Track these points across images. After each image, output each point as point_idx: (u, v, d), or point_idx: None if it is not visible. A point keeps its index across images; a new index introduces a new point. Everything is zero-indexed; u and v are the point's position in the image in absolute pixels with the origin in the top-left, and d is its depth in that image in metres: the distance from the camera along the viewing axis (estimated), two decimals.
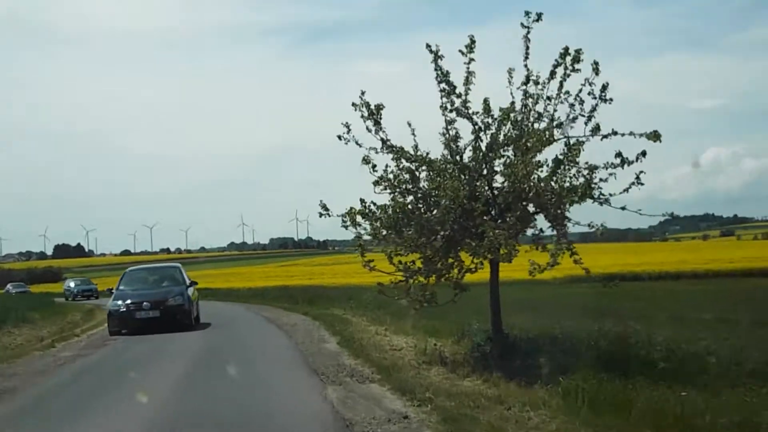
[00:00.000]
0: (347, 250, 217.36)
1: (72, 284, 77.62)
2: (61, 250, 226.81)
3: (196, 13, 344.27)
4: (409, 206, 13.72)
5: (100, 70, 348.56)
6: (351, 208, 13.95)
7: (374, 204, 13.70)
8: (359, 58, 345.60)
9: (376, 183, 13.68)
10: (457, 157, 13.83)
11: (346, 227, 14.22)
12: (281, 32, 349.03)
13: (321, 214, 14.21)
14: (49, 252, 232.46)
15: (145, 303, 25.40)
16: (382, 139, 13.84)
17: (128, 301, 25.56)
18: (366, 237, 14.19)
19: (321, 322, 25.01)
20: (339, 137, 13.96)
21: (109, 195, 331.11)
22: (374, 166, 13.68)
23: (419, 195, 13.78)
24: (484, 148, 13.81)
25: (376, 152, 13.88)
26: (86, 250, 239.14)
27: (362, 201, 13.76)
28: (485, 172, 13.82)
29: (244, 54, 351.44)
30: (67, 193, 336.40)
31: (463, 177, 13.65)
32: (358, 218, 13.84)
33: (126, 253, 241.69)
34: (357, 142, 13.88)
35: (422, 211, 13.79)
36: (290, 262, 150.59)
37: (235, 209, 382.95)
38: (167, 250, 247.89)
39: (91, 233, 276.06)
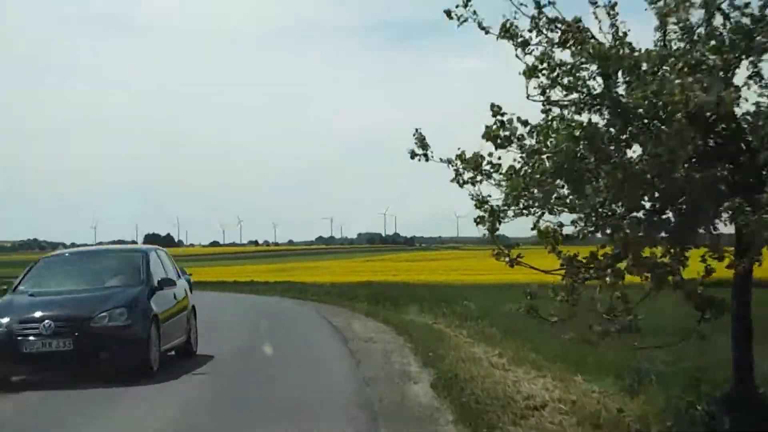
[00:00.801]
0: (434, 247, 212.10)
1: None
2: (151, 239, 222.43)
3: (282, 5, 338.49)
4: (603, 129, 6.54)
5: (201, 59, 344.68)
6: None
7: (522, 121, 6.63)
8: (449, 55, 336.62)
9: (530, 73, 6.57)
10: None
11: (460, 182, 7.20)
12: (372, 29, 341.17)
13: (415, 155, 8.11)
14: (140, 241, 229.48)
15: (46, 321, 13.53)
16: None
17: (9, 318, 13.79)
18: (495, 200, 7.28)
19: (406, 336, 17.67)
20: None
21: (202, 187, 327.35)
22: (524, 42, 6.58)
23: (617, 111, 6.49)
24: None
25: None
26: (176, 240, 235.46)
27: (499, 120, 6.64)
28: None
29: (334, 50, 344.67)
30: (162, 183, 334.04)
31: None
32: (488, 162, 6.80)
33: (214, 244, 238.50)
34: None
35: (622, 143, 6.52)
36: (376, 257, 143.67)
37: (324, 203, 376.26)
38: (255, 242, 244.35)
39: (183, 224, 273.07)
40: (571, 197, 6.89)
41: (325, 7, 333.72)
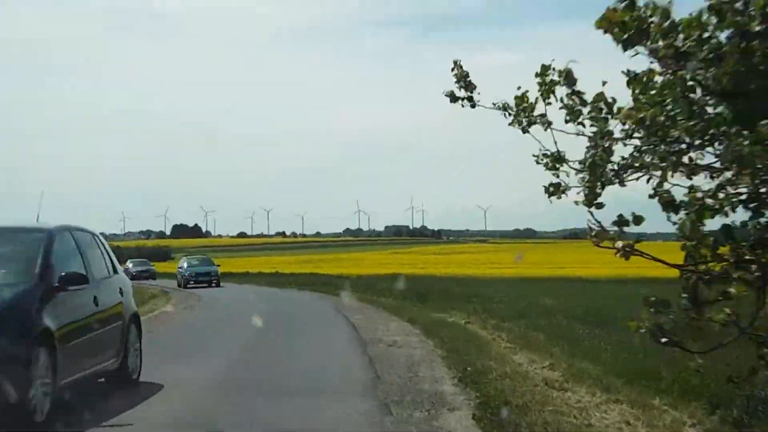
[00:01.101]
0: (461, 240, 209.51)
1: (185, 264, 57.24)
2: (179, 230, 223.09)
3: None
4: None
5: (216, 55, 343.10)
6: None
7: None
8: (478, 48, 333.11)
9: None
10: None
11: (523, 123, 4.29)
12: (403, 23, 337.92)
13: (456, 99, 5.45)
14: (168, 232, 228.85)
15: None
16: None
17: None
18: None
19: (436, 340, 14.85)
20: None
21: (229, 178, 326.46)
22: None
23: None
24: None
25: None
26: (203, 231, 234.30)
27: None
28: None
29: (366, 42, 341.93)
30: (189, 175, 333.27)
31: None
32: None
33: (242, 235, 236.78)
34: None
35: None
36: (403, 249, 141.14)
37: (352, 195, 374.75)
38: (283, 234, 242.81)
39: (210, 215, 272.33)
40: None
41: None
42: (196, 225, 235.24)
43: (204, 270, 51.59)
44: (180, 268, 59.78)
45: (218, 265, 55.39)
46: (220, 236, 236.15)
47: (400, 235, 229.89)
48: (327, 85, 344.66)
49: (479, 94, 5.45)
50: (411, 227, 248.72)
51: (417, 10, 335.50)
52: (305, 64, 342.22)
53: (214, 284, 49.16)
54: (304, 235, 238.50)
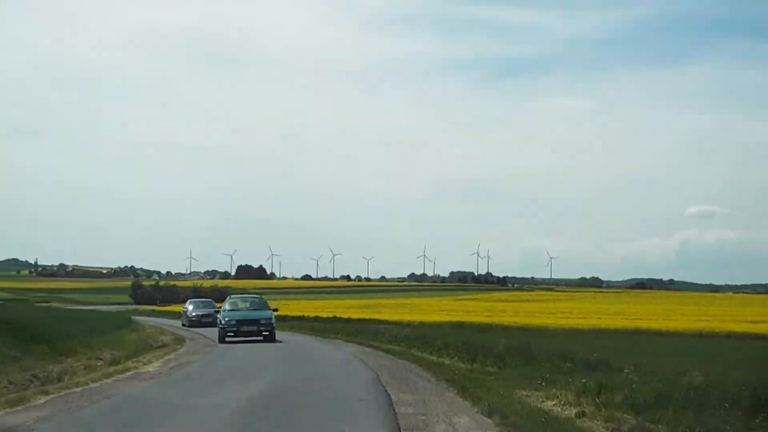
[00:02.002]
0: (527, 287, 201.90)
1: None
2: (244, 271, 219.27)
3: (386, 40, 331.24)
4: None
5: (288, 95, 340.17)
6: None
7: None
8: (547, 94, 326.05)
9: None
10: None
11: None
12: (472, 66, 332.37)
13: None
14: (233, 272, 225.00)
15: None
16: None
17: None
18: None
19: None
20: None
21: (296, 220, 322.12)
22: None
23: None
24: None
25: None
26: (268, 272, 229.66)
27: None
28: None
29: (433, 85, 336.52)
30: (257, 215, 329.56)
31: None
32: None
33: (306, 277, 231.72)
34: None
35: None
36: (468, 296, 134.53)
37: (418, 240, 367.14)
38: (348, 277, 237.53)
39: (275, 257, 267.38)
40: None
41: (434, 42, 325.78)
42: (260, 266, 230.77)
43: (249, 316, 35.22)
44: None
45: (275, 309, 38.67)
46: (285, 278, 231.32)
47: (465, 281, 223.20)
48: (397, 128, 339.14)
49: None
50: (476, 273, 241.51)
51: (485, 54, 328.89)
52: (378, 105, 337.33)
53: (264, 335, 34.26)
54: (368, 279, 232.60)
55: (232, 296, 41.85)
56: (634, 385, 12.53)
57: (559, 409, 12.64)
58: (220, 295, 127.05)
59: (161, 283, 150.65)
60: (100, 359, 20.18)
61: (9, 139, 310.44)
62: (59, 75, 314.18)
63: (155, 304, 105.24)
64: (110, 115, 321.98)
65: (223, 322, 34.58)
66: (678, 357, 21.37)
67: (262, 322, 34.24)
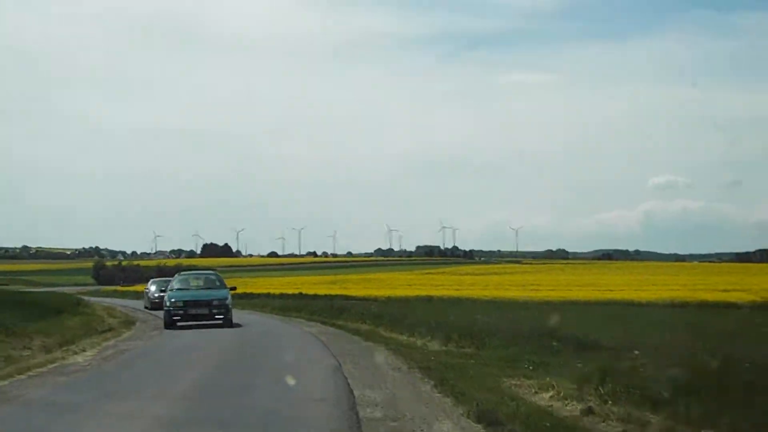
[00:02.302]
0: (494, 260, 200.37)
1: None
2: (209, 250, 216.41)
3: (346, 19, 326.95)
4: None
5: (249, 75, 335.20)
6: None
7: None
8: (506, 68, 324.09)
9: None
10: None
11: None
12: (432, 42, 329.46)
13: None
14: (199, 251, 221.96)
15: None
16: None
17: None
18: None
19: None
20: None
21: (260, 198, 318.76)
22: None
23: None
24: None
25: None
26: (234, 250, 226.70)
27: None
28: None
29: (396, 62, 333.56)
30: (221, 195, 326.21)
31: None
32: None
33: (273, 255, 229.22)
34: None
35: None
36: (435, 270, 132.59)
37: (383, 215, 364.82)
38: (314, 253, 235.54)
39: (241, 234, 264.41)
40: None
41: (385, 19, 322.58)
42: (226, 245, 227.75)
43: (199, 297, 29.84)
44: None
45: (232, 288, 33.84)
46: (250, 256, 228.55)
47: (432, 256, 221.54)
48: (358, 105, 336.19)
49: None
50: (442, 247, 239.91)
51: (447, 29, 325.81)
52: (341, 83, 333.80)
53: (218, 320, 28.88)
54: (335, 255, 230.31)
55: (182, 273, 34.84)
56: (642, 370, 10.53)
57: (560, 404, 10.43)
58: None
59: (124, 263, 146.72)
60: (29, 348, 17.93)
61: None
62: (19, 54, 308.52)
63: (118, 284, 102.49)
64: (74, 96, 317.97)
65: (168, 303, 28.91)
66: (665, 330, 19.67)
67: (215, 303, 28.84)
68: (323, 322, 29.41)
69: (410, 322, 23.54)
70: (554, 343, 15.37)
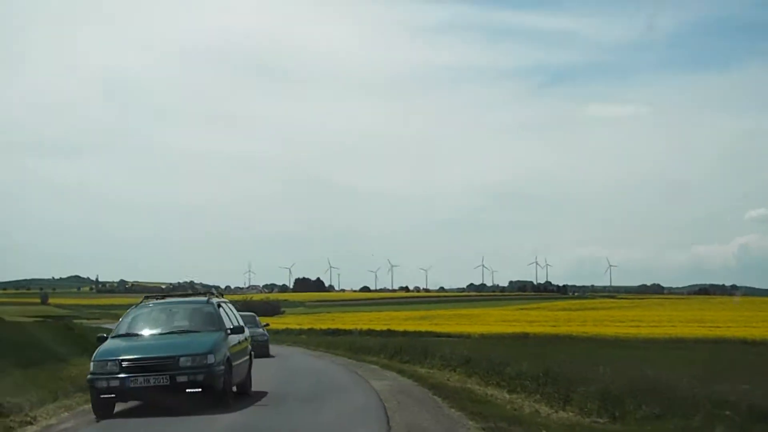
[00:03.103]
0: (588, 295, 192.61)
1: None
2: (302, 284, 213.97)
3: (433, 51, 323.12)
4: None
5: (328, 109, 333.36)
6: None
7: None
8: (594, 100, 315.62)
9: None
10: None
11: None
12: (518, 75, 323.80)
13: None
14: (291, 286, 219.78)
15: None
16: None
17: None
18: None
19: None
20: None
21: (354, 233, 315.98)
22: None
23: None
24: None
25: None
26: (326, 285, 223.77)
27: None
28: None
29: (480, 94, 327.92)
30: (315, 230, 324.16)
31: None
32: None
33: (365, 289, 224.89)
34: None
35: None
36: (530, 305, 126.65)
37: (476, 250, 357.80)
38: (406, 288, 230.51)
39: (334, 270, 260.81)
40: None
41: (478, 51, 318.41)
42: (318, 279, 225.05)
43: (152, 353, 15.82)
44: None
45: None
46: (343, 290, 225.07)
47: (525, 291, 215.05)
48: (448, 138, 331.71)
49: None
50: (535, 282, 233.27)
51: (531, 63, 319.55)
52: (429, 115, 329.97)
53: (201, 393, 15.55)
54: (427, 290, 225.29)
55: (151, 301, 18.51)
56: None
57: None
58: (271, 308, 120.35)
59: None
60: None
61: (66, 157, 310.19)
62: (110, 91, 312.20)
63: None
64: (166, 129, 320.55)
65: (93, 366, 15.54)
66: None
67: (186, 363, 15.38)
68: (401, 371, 23.29)
69: (512, 373, 18.03)
70: (726, 413, 10.27)
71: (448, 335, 60.74)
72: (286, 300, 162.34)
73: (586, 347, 45.96)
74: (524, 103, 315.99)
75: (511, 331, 62.58)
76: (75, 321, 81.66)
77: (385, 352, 30.14)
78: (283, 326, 75.92)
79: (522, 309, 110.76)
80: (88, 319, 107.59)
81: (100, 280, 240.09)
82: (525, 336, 58.56)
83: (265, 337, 33.03)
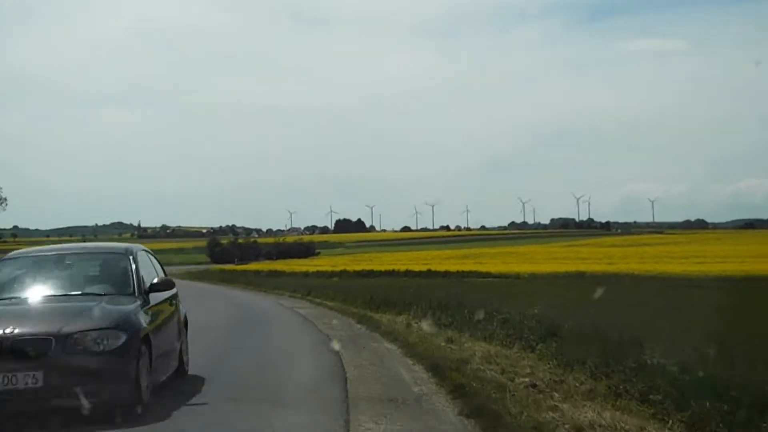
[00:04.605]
0: (633, 231, 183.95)
1: None
2: (342, 225, 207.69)
3: None
4: None
5: (376, 58, 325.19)
6: None
7: None
8: (636, 35, 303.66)
9: None
10: None
11: None
12: (557, 11, 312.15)
13: None
14: (332, 227, 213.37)
15: None
16: None
17: None
18: None
19: None
20: None
21: (395, 173, 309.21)
22: None
23: None
24: None
25: None
26: (367, 226, 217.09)
27: None
28: None
29: (518, 34, 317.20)
30: (355, 170, 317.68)
31: None
32: None
33: (406, 229, 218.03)
34: None
35: None
36: (578, 241, 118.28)
37: (515, 188, 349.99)
38: (447, 228, 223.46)
39: (375, 210, 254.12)
40: None
41: None
42: (359, 220, 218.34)
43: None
44: None
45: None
46: (384, 231, 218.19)
47: (567, 228, 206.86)
48: (482, 76, 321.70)
49: None
50: (577, 219, 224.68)
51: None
52: (463, 56, 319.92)
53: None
54: (468, 229, 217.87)
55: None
56: None
57: None
58: (304, 249, 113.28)
59: (240, 239, 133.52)
60: None
61: (106, 106, 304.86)
62: (154, 41, 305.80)
63: (233, 263, 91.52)
64: (198, 80, 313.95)
65: None
66: None
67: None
68: (440, 369, 10.89)
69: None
70: None
71: (494, 275, 53.00)
72: (326, 241, 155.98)
73: (650, 286, 38.44)
74: (566, 40, 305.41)
75: (564, 270, 54.61)
76: None
77: (419, 305, 20.60)
78: (314, 268, 68.55)
79: (571, 246, 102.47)
80: None
81: (142, 225, 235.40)
82: (580, 275, 50.68)
83: None
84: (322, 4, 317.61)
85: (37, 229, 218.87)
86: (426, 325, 15.82)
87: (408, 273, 57.48)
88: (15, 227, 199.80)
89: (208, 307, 24.77)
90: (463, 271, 55.77)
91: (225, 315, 24.19)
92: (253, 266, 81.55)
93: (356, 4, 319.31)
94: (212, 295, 37.07)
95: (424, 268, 61.39)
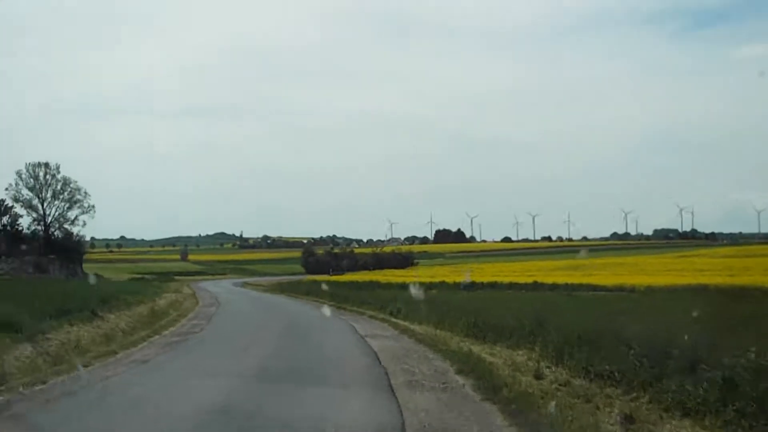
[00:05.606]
0: (741, 242, 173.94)
1: None
2: (442, 235, 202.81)
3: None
4: None
5: (463, 62, 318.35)
6: None
7: None
8: (741, 42, 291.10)
9: None
10: None
11: None
12: (663, 18, 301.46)
13: None
14: (432, 237, 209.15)
15: None
16: None
17: None
18: None
19: None
20: None
21: (495, 185, 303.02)
22: None
23: None
24: None
25: None
26: (467, 236, 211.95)
27: None
28: None
29: (621, 40, 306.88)
30: (459, 181, 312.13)
31: None
32: None
33: (506, 240, 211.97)
34: None
35: None
36: (687, 252, 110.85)
37: (617, 198, 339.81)
38: (548, 238, 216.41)
39: (475, 220, 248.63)
40: None
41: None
42: (459, 230, 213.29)
43: None
44: None
45: None
46: (484, 241, 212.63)
47: (670, 239, 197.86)
48: (587, 84, 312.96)
49: None
50: (680, 230, 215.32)
51: (677, 5, 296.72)
52: (572, 62, 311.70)
53: None
54: (570, 240, 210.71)
55: None
56: None
57: None
58: (402, 260, 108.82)
59: (336, 250, 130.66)
60: None
61: (213, 118, 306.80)
62: (257, 57, 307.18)
63: (328, 273, 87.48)
64: (293, 92, 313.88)
65: None
66: None
67: None
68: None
69: None
70: None
71: (606, 288, 47.94)
72: (425, 252, 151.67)
73: None
74: (672, 47, 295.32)
75: (682, 282, 48.93)
76: (175, 278, 73.14)
77: (544, 337, 14.98)
78: (411, 279, 64.01)
79: (683, 256, 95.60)
80: (196, 275, 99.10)
81: (244, 236, 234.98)
82: (702, 287, 45.01)
83: None
84: (425, 13, 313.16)
85: (142, 239, 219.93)
86: (574, 379, 9.78)
87: (513, 285, 52.97)
88: (122, 237, 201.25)
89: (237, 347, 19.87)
90: (572, 284, 50.83)
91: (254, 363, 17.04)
92: (347, 277, 77.77)
93: (464, 10, 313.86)
94: (272, 316, 32.94)
95: (529, 279, 56.60)
